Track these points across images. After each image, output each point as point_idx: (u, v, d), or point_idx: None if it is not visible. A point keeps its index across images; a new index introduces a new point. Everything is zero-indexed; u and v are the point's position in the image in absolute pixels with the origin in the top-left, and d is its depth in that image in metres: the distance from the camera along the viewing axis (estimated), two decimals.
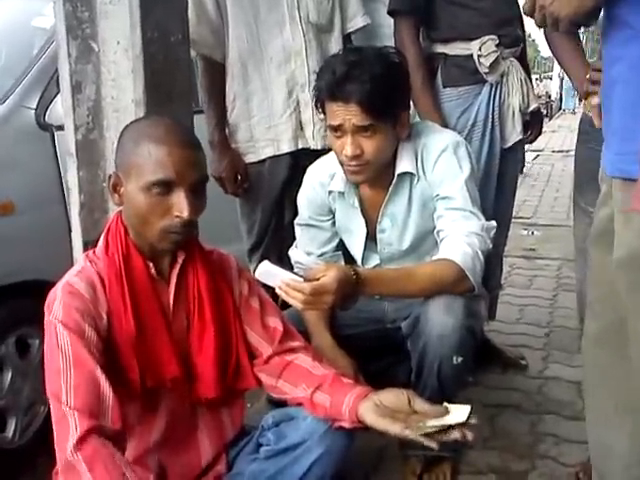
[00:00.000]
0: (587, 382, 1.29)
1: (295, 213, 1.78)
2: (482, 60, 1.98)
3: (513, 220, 2.40)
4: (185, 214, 1.15)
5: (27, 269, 1.89)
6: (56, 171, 1.98)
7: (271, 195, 2.06)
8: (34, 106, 2.00)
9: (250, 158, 2.06)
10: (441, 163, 1.55)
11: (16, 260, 1.88)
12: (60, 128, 1.86)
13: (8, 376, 1.88)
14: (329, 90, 1.45)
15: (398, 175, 1.57)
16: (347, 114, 1.43)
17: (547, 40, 1.91)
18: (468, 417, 1.13)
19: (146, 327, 1.20)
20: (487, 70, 1.99)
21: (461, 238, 1.47)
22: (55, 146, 1.99)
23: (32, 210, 1.93)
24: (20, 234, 1.89)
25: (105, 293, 1.19)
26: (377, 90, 1.41)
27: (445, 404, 1.17)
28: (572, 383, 2.21)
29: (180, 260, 1.26)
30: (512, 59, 2.04)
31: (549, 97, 22.56)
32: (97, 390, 1.09)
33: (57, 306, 1.14)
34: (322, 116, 1.54)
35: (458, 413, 1.14)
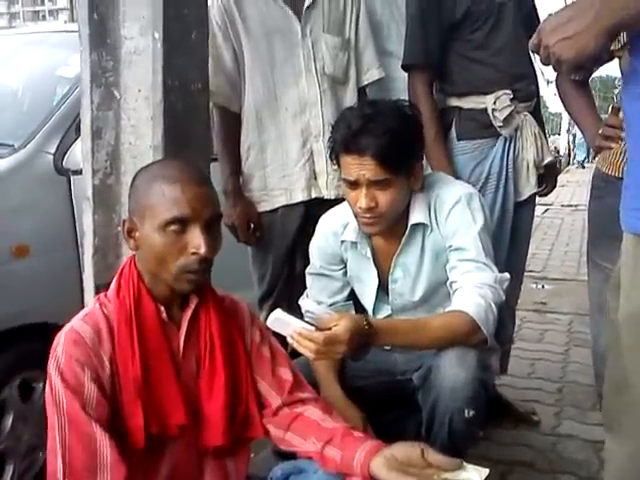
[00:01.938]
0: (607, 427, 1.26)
1: (307, 263, 1.78)
2: (496, 114, 2.01)
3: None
4: (202, 250, 1.15)
5: (36, 312, 1.89)
6: (71, 215, 2.01)
7: (283, 244, 2.07)
8: (53, 151, 2.04)
9: (263, 207, 2.08)
10: (454, 214, 1.55)
11: (27, 302, 1.89)
12: (76, 173, 1.90)
13: (9, 420, 1.86)
14: (344, 143, 1.47)
15: (411, 226, 1.57)
16: (362, 168, 1.45)
17: (558, 91, 1.94)
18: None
19: (153, 372, 1.19)
20: (501, 124, 2.01)
21: (474, 290, 1.46)
22: (71, 190, 2.02)
23: (46, 253, 1.95)
24: (33, 277, 1.91)
25: (112, 338, 1.18)
26: (392, 144, 1.43)
27: (462, 461, 1.14)
28: (586, 441, 2.15)
29: (192, 305, 1.26)
30: (526, 113, 2.07)
31: (558, 152, 22.80)
32: (93, 448, 1.08)
33: (59, 355, 1.13)
34: (336, 167, 1.56)
35: (475, 473, 1.11)
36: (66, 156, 2.05)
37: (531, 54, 2.10)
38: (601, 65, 1.83)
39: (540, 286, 4.54)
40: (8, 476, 1.85)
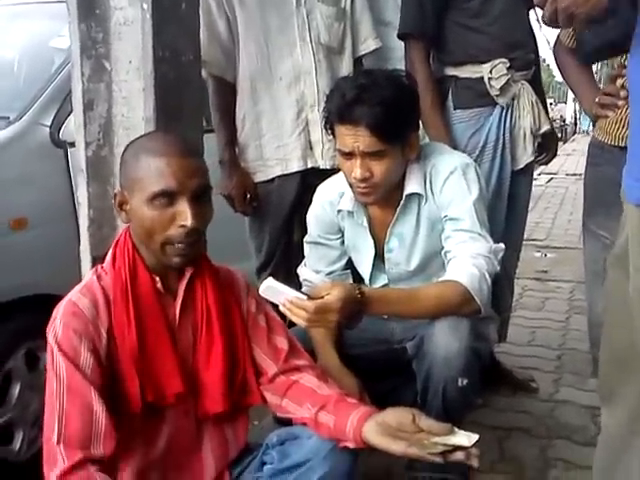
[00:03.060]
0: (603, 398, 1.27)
1: (304, 232, 1.78)
2: (493, 83, 1.99)
3: (526, 242, 2.38)
4: (188, 222, 1.15)
5: (37, 283, 1.91)
6: (69, 187, 2.02)
7: (280, 214, 2.07)
8: (49, 123, 2.04)
9: (259, 177, 2.08)
10: (450, 184, 1.55)
11: (27, 274, 1.91)
12: (73, 145, 1.89)
13: (16, 389, 1.89)
14: (339, 113, 1.46)
15: (406, 196, 1.57)
16: (356, 138, 1.44)
17: (556, 62, 1.91)
18: (473, 445, 1.11)
19: (149, 342, 1.21)
20: (498, 93, 1.99)
21: (468, 260, 1.46)
22: (68, 162, 2.02)
23: (44, 225, 1.96)
24: (32, 249, 1.92)
25: (108, 308, 1.19)
26: (387, 114, 1.42)
27: (453, 427, 1.15)
28: (584, 407, 2.17)
29: (188, 274, 1.26)
30: (523, 82, 2.04)
31: (563, 121, 22.61)
32: (89, 415, 1.11)
33: (58, 326, 1.15)
34: (331, 137, 1.55)
35: (464, 438, 1.12)
36: (62, 128, 2.05)
37: (530, 22, 2.07)
38: (610, 17, 1.79)
39: (543, 255, 4.55)
40: (17, 443, 1.89)
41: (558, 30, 1.84)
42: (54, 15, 2.46)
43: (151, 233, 1.18)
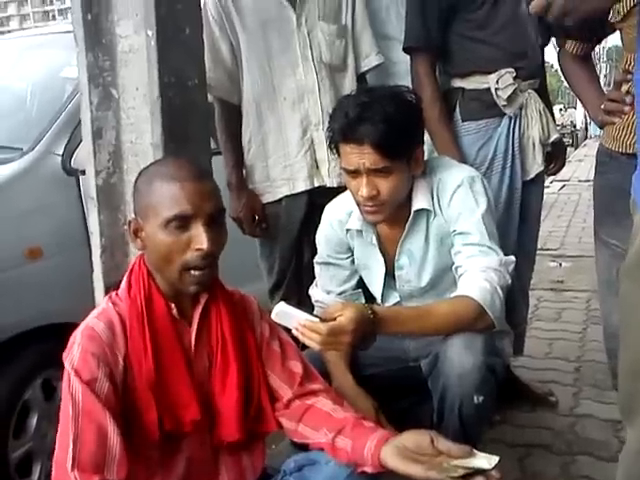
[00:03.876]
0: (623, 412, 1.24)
1: (314, 251, 1.77)
2: (500, 93, 1.98)
3: (540, 252, 2.35)
4: (205, 246, 1.15)
5: (53, 312, 1.93)
6: (81, 215, 2.03)
7: (289, 234, 2.07)
8: (61, 152, 2.07)
9: (267, 198, 2.09)
10: (457, 198, 1.54)
11: (43, 304, 1.92)
12: (85, 173, 1.91)
13: (34, 420, 1.90)
14: (342, 132, 1.46)
15: (414, 212, 1.56)
16: (361, 156, 1.44)
17: (562, 69, 1.91)
18: (494, 467, 1.09)
19: (166, 369, 1.20)
20: (505, 103, 1.99)
21: (479, 274, 1.45)
22: (80, 190, 2.04)
23: (59, 254, 1.98)
24: (47, 278, 1.94)
25: (125, 335, 1.19)
26: (390, 131, 1.41)
27: (472, 448, 1.13)
28: (605, 421, 2.13)
29: (202, 301, 1.26)
30: (530, 91, 2.03)
31: (574, 126, 22.50)
32: (104, 440, 1.10)
33: (75, 350, 1.15)
34: (336, 155, 1.55)
35: (485, 460, 1.10)
36: (74, 156, 2.07)
37: (535, 31, 2.06)
38: (603, 37, 1.79)
39: (558, 264, 4.50)
40: (36, 475, 1.89)
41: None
42: (65, 46, 2.49)
43: (167, 259, 1.18)
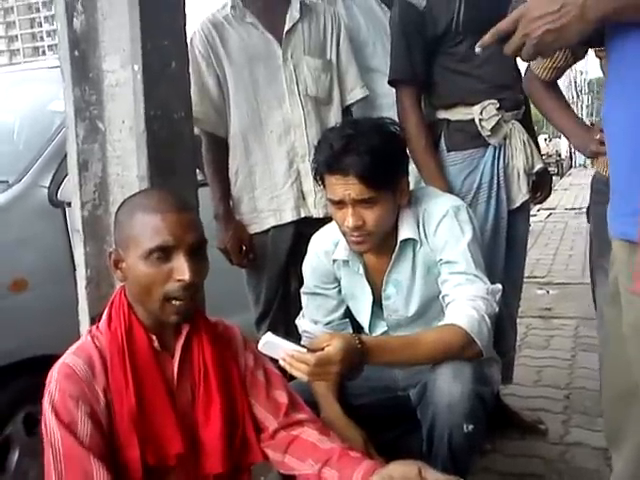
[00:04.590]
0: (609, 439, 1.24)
1: (301, 282, 1.78)
2: (484, 124, 2.01)
3: (528, 280, 2.36)
4: (186, 276, 1.15)
5: (37, 345, 1.90)
6: (68, 247, 2.02)
7: (276, 265, 2.07)
8: (47, 184, 2.07)
9: (254, 229, 2.10)
10: (443, 228, 1.55)
11: (28, 336, 1.89)
12: (71, 205, 1.91)
13: (15, 455, 1.85)
14: (327, 164, 1.47)
15: (401, 241, 1.57)
16: (347, 187, 1.45)
17: (530, 96, 1.93)
18: None
19: (148, 402, 1.19)
20: (489, 133, 2.01)
21: (466, 303, 1.45)
22: (67, 222, 2.04)
23: (44, 286, 1.97)
24: (32, 310, 1.92)
25: (105, 370, 1.18)
26: (375, 162, 1.43)
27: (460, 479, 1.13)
28: (596, 449, 2.11)
29: (184, 332, 1.26)
30: (514, 122, 2.06)
31: (559, 156, 22.80)
32: None
33: (53, 391, 1.13)
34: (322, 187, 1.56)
35: None
36: (60, 188, 2.07)
37: (517, 62, 2.11)
38: (574, 64, 1.83)
39: (545, 292, 4.52)
40: None
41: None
42: (53, 80, 2.52)
43: (148, 290, 1.18)
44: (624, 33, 0.96)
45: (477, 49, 1.04)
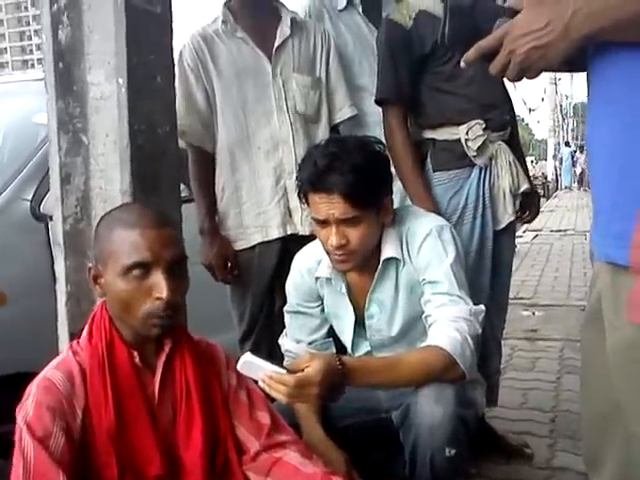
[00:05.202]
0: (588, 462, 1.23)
1: (286, 300, 1.76)
2: (470, 144, 2.01)
3: (513, 301, 2.35)
4: (164, 294, 1.14)
5: (16, 361, 1.85)
6: (49, 261, 1.98)
7: (261, 282, 2.05)
8: (30, 198, 2.04)
9: (240, 245, 2.08)
10: (426, 247, 1.54)
11: (6, 352, 1.85)
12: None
13: None
14: (311, 182, 1.47)
15: (384, 261, 1.56)
16: (330, 206, 1.45)
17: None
18: None
19: (128, 420, 1.16)
20: (475, 153, 2.02)
21: (449, 324, 1.44)
22: (49, 236, 2.01)
23: (24, 301, 1.94)
24: (10, 326, 1.88)
25: (85, 386, 1.16)
26: (359, 181, 1.43)
27: None
28: (581, 474, 2.08)
29: (167, 349, 1.24)
30: (500, 142, 2.07)
31: (545, 178, 23.03)
32: None
33: (29, 403, 1.11)
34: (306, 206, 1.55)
35: None
36: (43, 202, 2.05)
37: (504, 83, 2.12)
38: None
39: (531, 313, 4.52)
40: None
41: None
42: (39, 92, 2.51)
43: (127, 306, 1.16)
44: (608, 51, 0.96)
45: (462, 64, 1.03)
